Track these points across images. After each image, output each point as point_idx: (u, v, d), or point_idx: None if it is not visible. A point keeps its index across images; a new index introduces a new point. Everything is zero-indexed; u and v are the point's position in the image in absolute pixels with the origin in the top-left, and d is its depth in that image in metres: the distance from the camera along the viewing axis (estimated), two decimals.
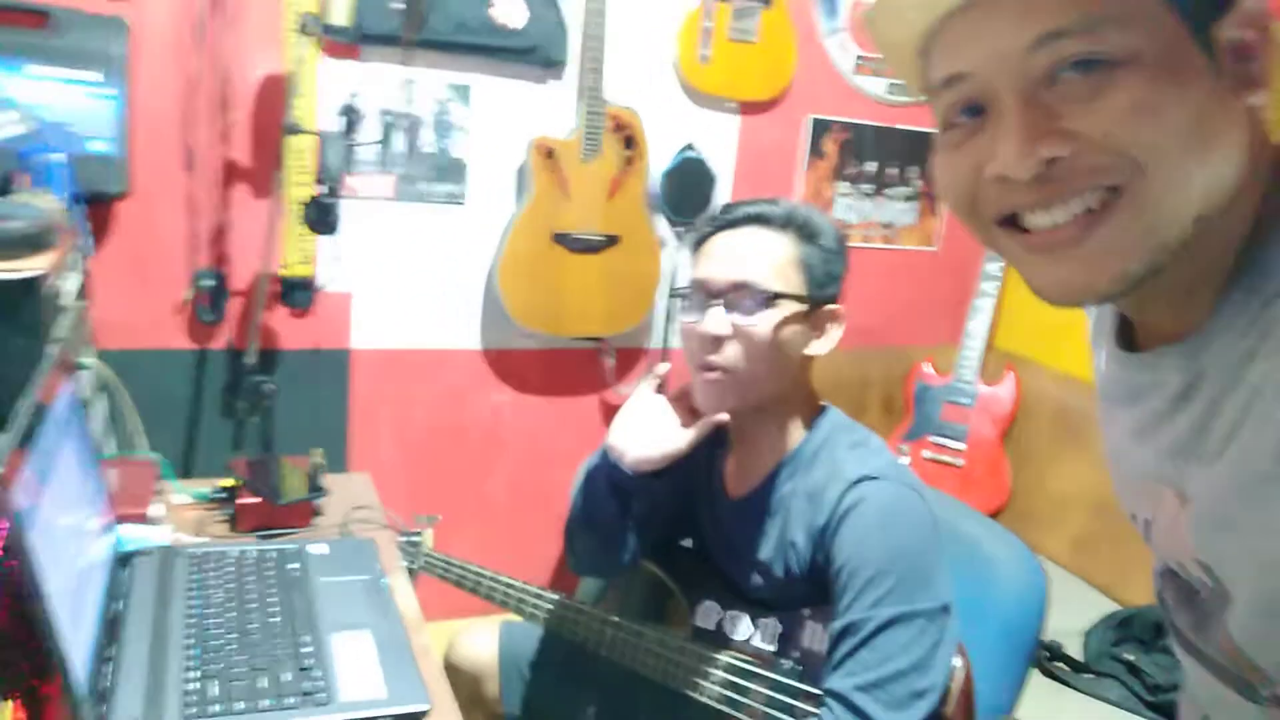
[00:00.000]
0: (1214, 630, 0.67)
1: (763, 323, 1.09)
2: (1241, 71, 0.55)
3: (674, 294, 1.19)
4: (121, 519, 1.23)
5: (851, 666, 1.00)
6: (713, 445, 1.27)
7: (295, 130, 1.85)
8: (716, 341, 1.10)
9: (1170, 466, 0.65)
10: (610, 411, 2.49)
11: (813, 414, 1.18)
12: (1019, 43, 0.55)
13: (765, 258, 1.11)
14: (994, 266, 2.54)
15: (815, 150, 2.50)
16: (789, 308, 1.10)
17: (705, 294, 1.12)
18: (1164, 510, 0.68)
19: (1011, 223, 0.61)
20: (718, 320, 1.10)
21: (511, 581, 1.39)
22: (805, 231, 1.12)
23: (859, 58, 2.47)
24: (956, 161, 0.62)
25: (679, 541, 1.34)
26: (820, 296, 1.13)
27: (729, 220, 1.15)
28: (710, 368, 1.12)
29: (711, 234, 1.16)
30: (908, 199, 2.66)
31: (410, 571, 1.48)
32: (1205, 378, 0.60)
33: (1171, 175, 0.54)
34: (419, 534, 1.51)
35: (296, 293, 2.07)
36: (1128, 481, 0.73)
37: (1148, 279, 0.57)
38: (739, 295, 1.10)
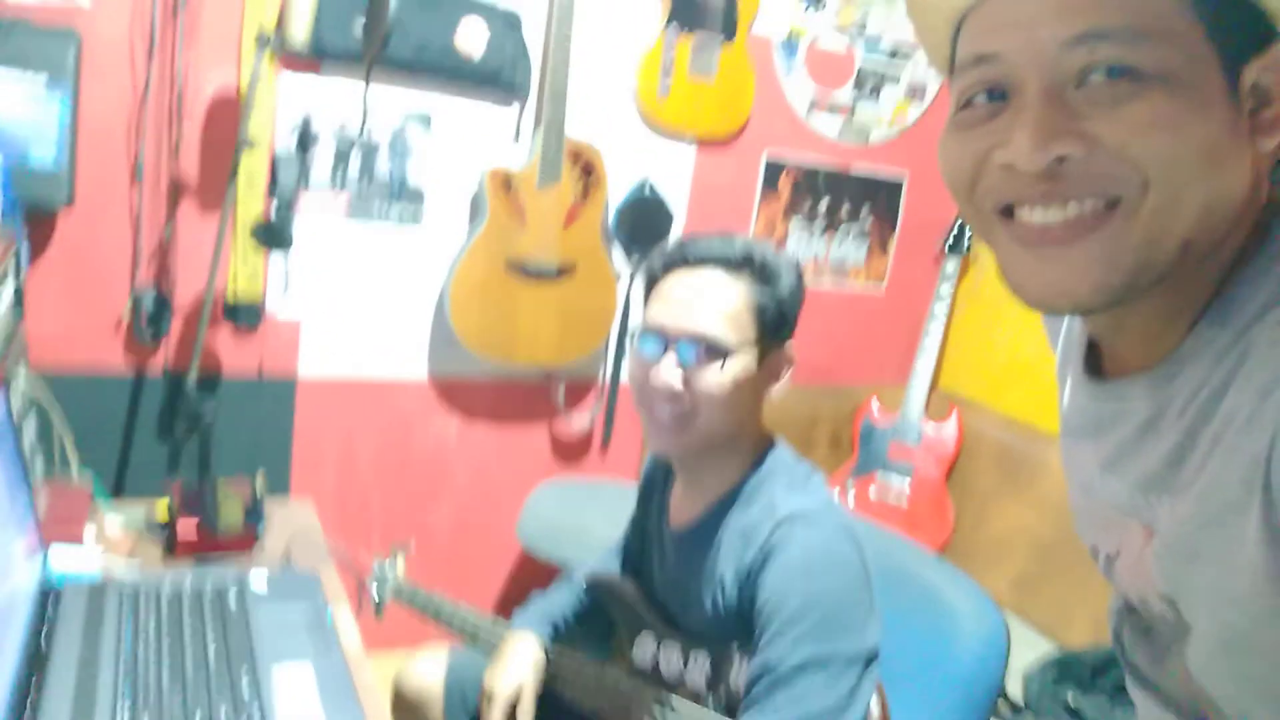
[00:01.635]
0: (1171, 663, 0.67)
1: (717, 375, 1.07)
2: (1258, 114, 0.57)
3: (629, 336, 1.17)
4: (51, 544, 1.18)
5: (764, 707, 0.99)
6: (665, 473, 1.27)
7: (248, 146, 1.81)
8: (668, 389, 1.08)
9: (1141, 499, 0.65)
10: (558, 445, 2.47)
11: (759, 449, 1.16)
12: (1058, 36, 0.56)
13: (720, 307, 1.08)
14: (939, 307, 2.59)
15: (769, 187, 2.53)
16: (744, 358, 1.09)
17: (659, 340, 1.10)
18: (1129, 544, 0.68)
19: (1007, 214, 0.61)
20: (671, 371, 1.08)
21: (481, 622, 1.34)
22: (763, 275, 1.10)
23: (813, 101, 2.51)
24: (966, 141, 0.62)
25: (629, 567, 1.34)
26: (775, 340, 1.12)
27: (684, 258, 1.12)
28: (661, 414, 1.10)
29: (667, 272, 1.14)
30: (859, 236, 2.69)
31: (377, 606, 1.43)
32: (1171, 407, 0.61)
33: (1174, 195, 0.55)
34: (392, 563, 1.46)
35: (242, 315, 2.01)
36: (1093, 515, 0.74)
37: (1126, 297, 0.58)
38: (693, 345, 1.07)
